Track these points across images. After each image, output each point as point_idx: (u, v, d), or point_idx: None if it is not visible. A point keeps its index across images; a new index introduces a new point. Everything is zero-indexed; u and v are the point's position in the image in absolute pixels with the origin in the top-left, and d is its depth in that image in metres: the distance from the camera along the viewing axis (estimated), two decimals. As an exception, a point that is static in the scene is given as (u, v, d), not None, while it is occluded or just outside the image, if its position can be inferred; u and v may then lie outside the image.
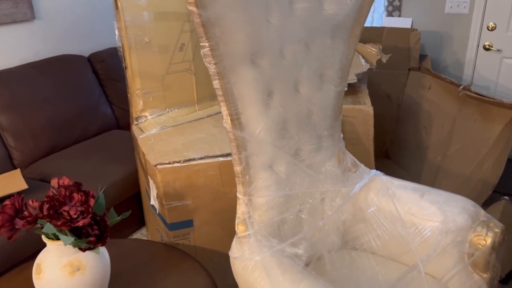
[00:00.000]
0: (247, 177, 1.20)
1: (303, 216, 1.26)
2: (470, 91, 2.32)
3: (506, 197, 2.15)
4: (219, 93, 1.09)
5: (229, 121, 1.14)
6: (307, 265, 1.11)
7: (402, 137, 2.84)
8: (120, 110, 2.68)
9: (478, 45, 2.79)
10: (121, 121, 2.69)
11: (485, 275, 1.26)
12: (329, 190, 1.34)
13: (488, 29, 2.72)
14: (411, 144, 2.77)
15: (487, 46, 2.75)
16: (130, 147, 2.33)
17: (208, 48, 1.02)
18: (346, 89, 1.44)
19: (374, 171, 1.50)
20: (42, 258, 1.13)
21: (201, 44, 1.03)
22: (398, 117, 2.86)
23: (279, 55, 1.18)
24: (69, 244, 1.02)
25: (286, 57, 1.21)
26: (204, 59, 1.03)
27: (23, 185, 1.86)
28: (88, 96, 2.52)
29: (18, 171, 1.99)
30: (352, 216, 1.34)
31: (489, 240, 1.25)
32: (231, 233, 1.72)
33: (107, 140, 2.47)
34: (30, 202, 1.06)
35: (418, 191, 1.39)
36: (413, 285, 1.11)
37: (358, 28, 1.34)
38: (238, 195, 1.23)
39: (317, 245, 1.21)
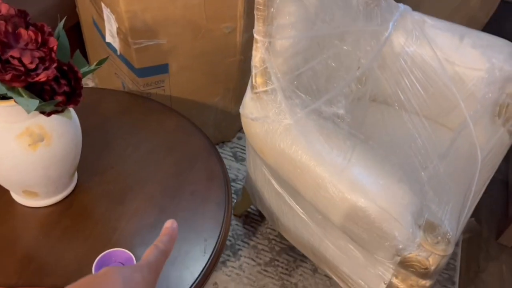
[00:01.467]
0: (272, 10, 0.86)
1: (333, 64, 0.98)
2: None
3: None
4: None
5: None
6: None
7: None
8: None
9: None
10: None
11: (513, 129, 1.14)
12: (359, 30, 1.05)
13: None
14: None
15: None
16: (54, -39, 1.72)
17: None
18: None
19: (401, 5, 1.21)
20: (-18, 125, 0.77)
21: None
22: None
23: None
24: (34, 110, 0.66)
25: None
26: None
27: None
28: None
29: None
30: (385, 64, 1.09)
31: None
32: (214, 80, 1.41)
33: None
34: None
35: (456, 33, 1.15)
36: (463, 151, 0.95)
37: None
38: (256, 36, 0.90)
39: (354, 101, 0.97)
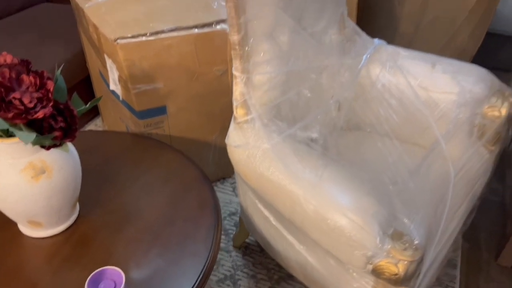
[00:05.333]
0: (246, 49, 0.96)
1: (308, 95, 1.07)
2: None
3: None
4: None
5: (226, -29, 0.85)
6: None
7: (373, 8, 2.63)
8: (46, -22, 2.17)
9: None
10: (50, -8, 2.20)
11: (493, 148, 1.19)
12: (334, 64, 1.15)
13: None
14: (381, 16, 2.58)
15: None
16: (68, 22, 1.92)
17: None
18: None
19: (376, 40, 1.31)
20: (-9, 161, 0.87)
21: None
22: (369, -14, 2.60)
23: None
24: (30, 142, 0.77)
25: None
26: None
27: None
28: (2, -42, 1.99)
29: None
30: (358, 93, 1.18)
31: (504, 112, 1.16)
32: (211, 119, 1.52)
33: (36, 16, 2.03)
34: (-39, 89, 0.76)
35: (428, 61, 1.23)
36: (435, 167, 1.01)
37: None
38: (235, 73, 1.00)
39: (328, 127, 1.05)
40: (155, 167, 1.20)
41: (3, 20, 1.97)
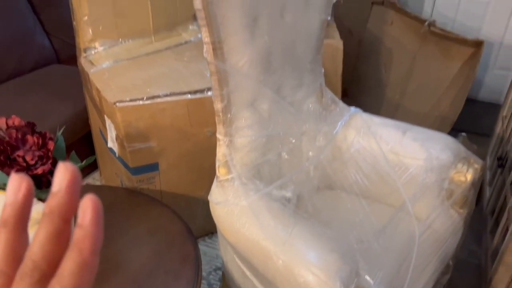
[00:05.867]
0: (228, 116, 1.08)
1: (286, 157, 1.17)
2: (435, 27, 2.29)
3: (463, 134, 2.21)
4: (201, 15, 0.92)
5: (211, 51, 0.99)
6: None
7: (362, 75, 2.80)
8: (59, 42, 2.36)
9: (439, -20, 2.72)
10: (62, 54, 2.38)
11: (461, 211, 1.27)
12: (311, 129, 1.26)
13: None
14: (370, 82, 2.75)
15: (448, -18, 2.69)
16: (75, 83, 2.07)
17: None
18: (329, 18, 1.31)
19: (353, 108, 1.43)
20: (-8, 212, 0.96)
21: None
22: (358, 54, 2.79)
23: (265, -26, 1.03)
24: (29, 195, 0.86)
25: (272, -23, 1.05)
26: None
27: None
28: (20, 25, 2.18)
29: None
30: (334, 156, 1.28)
31: (469, 177, 1.25)
32: (200, 176, 1.62)
33: (46, 76, 2.19)
34: (-28, 147, 0.87)
35: (399, 129, 1.34)
36: (402, 227, 1.09)
37: None
38: (218, 136, 1.11)
39: (302, 187, 1.14)
40: (144, 221, 1.28)
41: (16, 79, 2.13)
